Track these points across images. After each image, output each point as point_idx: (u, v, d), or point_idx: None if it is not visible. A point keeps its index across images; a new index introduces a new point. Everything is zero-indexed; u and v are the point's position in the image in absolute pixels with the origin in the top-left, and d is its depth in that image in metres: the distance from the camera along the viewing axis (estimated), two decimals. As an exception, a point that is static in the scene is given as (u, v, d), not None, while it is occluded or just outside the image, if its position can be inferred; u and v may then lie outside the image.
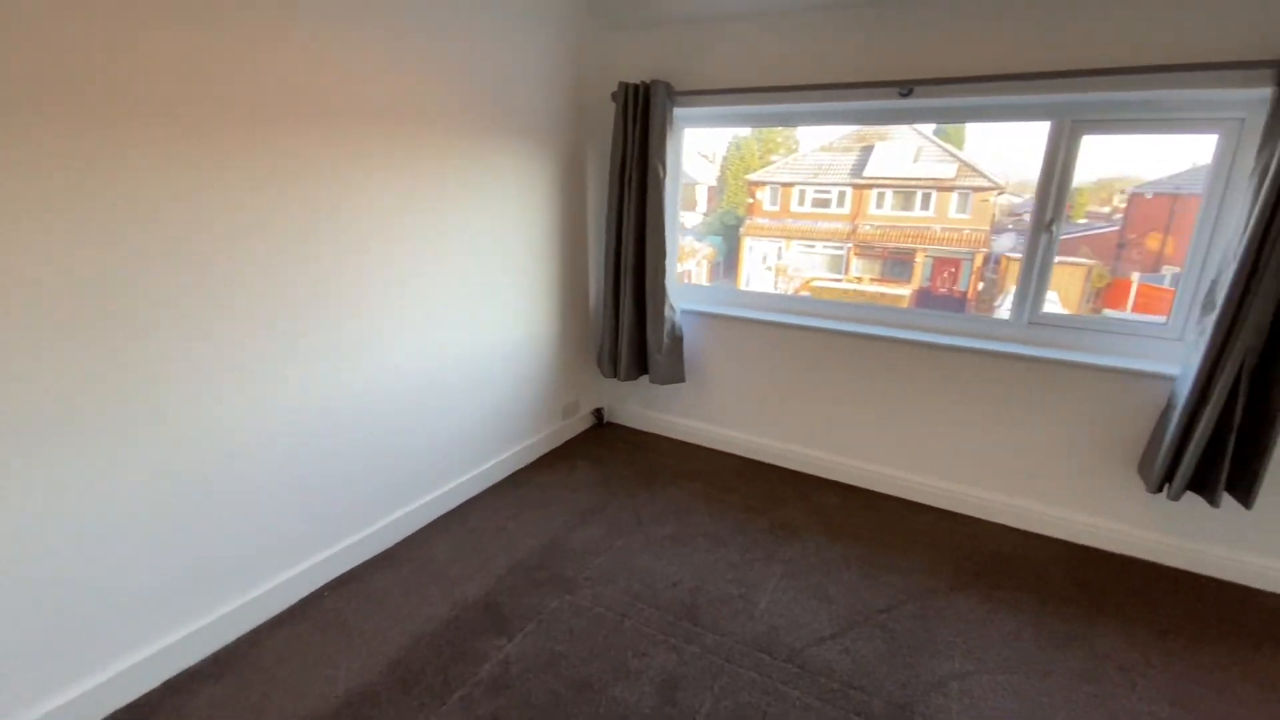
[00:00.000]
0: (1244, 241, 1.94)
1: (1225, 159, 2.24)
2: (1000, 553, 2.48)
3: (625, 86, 2.89)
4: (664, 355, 3.13)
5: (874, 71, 2.52)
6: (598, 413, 3.60)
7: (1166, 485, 2.19)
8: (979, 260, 5.94)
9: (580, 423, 3.51)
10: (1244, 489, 2.07)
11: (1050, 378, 2.50)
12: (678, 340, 3.16)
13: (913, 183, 5.90)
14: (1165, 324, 2.45)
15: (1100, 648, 1.98)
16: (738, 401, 3.24)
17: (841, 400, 2.95)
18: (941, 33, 2.40)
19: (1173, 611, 2.16)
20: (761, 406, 3.17)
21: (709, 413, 3.34)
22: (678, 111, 2.98)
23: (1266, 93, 2.03)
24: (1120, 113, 2.35)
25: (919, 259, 6.17)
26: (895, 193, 6.12)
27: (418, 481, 2.50)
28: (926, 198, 6.15)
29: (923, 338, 2.72)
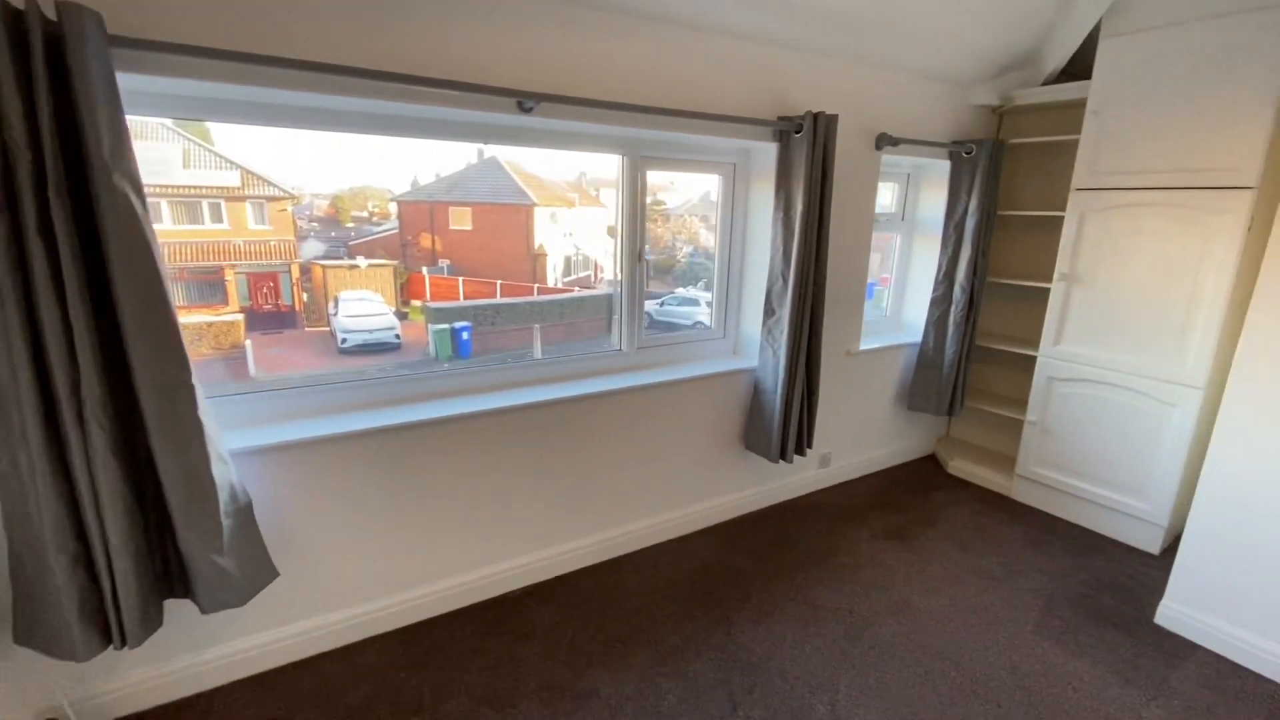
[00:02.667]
0: (793, 265, 2.55)
1: (728, 192, 2.85)
2: (702, 567, 2.58)
3: (-38, -3, 1.17)
4: (231, 552, 1.63)
5: (488, 74, 1.91)
6: (41, 737, 1.59)
7: (781, 456, 2.77)
8: (296, 272, 5.78)
9: (9, 792, 1.48)
10: (811, 441, 2.84)
11: (673, 394, 2.68)
12: (245, 511, 1.70)
13: (193, 192, 5.12)
14: (710, 329, 3.01)
15: (814, 598, 2.38)
16: (352, 560, 2.06)
17: (487, 497, 2.30)
18: (561, 47, 2.02)
19: (802, 534, 2.80)
20: (392, 549, 2.13)
21: (303, 603, 2.00)
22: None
23: (750, 144, 2.67)
24: (667, 152, 2.61)
25: (230, 276, 5.56)
26: (173, 203, 5.21)
27: None
28: (216, 209, 5.47)
29: (548, 395, 2.35)
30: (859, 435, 3.43)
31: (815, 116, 2.45)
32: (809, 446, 2.85)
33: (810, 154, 2.47)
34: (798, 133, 2.50)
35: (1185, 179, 2.51)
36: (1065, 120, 3.03)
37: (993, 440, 3.68)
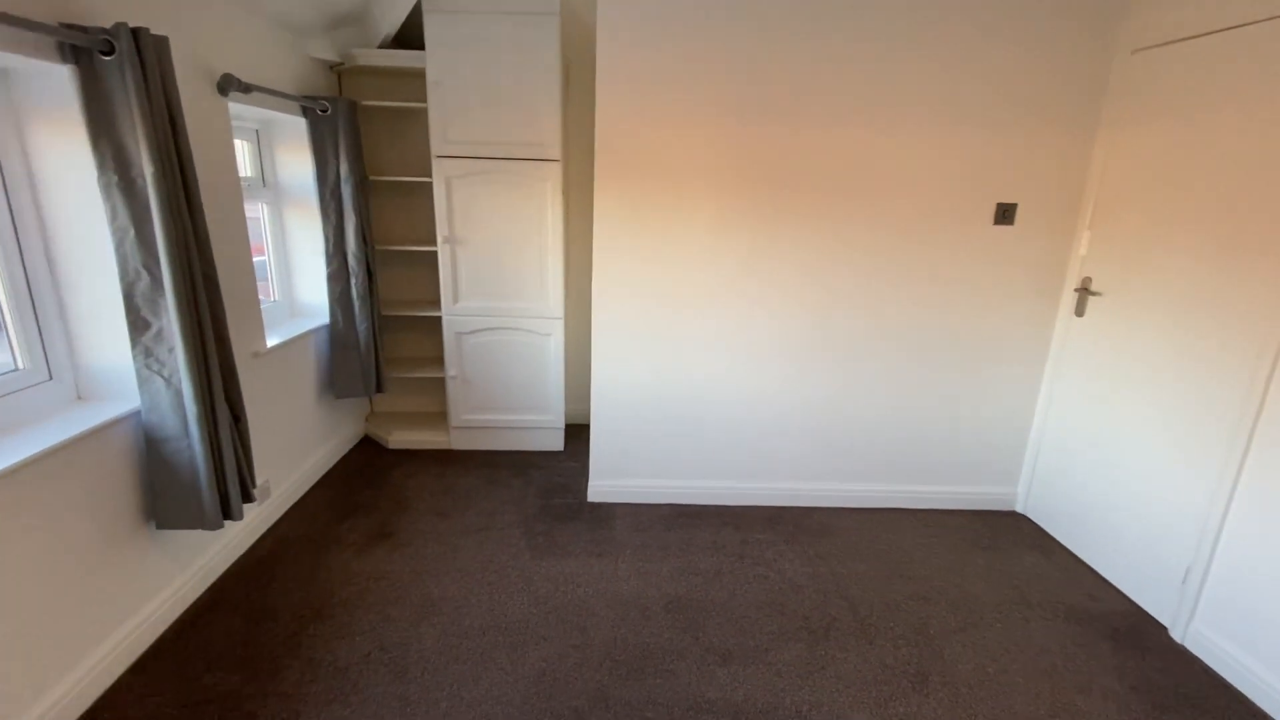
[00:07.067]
0: (161, 252, 1.76)
1: (-23, 144, 1.68)
2: (152, 731, 1.68)
3: None
4: None
5: None
6: None
7: (227, 516, 2.00)
8: None
9: None
10: (254, 479, 2.17)
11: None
12: None
13: None
14: (21, 371, 1.82)
15: (336, 660, 1.97)
16: None
17: None
18: None
19: (280, 594, 2.20)
20: None
21: None
22: None
23: (7, 60, 1.64)
24: None
25: None
26: None
27: None
28: None
29: None
30: (292, 445, 2.88)
31: (136, 33, 1.67)
32: (254, 486, 2.19)
33: (146, 89, 1.70)
34: (106, 54, 1.66)
35: (517, 150, 3.04)
36: (412, 87, 3.14)
37: (419, 403, 3.78)
